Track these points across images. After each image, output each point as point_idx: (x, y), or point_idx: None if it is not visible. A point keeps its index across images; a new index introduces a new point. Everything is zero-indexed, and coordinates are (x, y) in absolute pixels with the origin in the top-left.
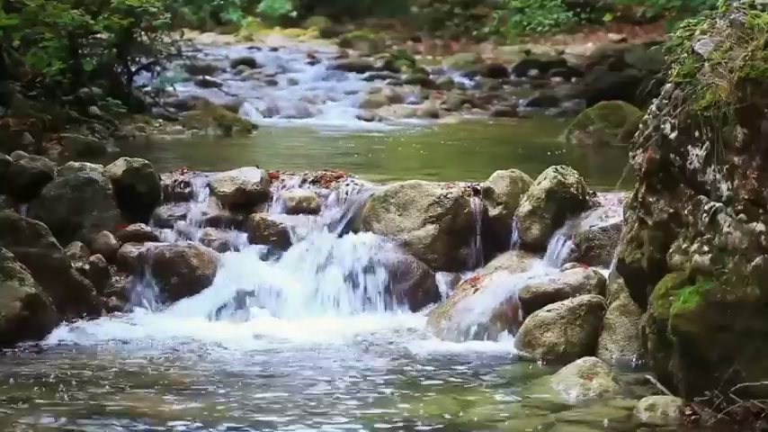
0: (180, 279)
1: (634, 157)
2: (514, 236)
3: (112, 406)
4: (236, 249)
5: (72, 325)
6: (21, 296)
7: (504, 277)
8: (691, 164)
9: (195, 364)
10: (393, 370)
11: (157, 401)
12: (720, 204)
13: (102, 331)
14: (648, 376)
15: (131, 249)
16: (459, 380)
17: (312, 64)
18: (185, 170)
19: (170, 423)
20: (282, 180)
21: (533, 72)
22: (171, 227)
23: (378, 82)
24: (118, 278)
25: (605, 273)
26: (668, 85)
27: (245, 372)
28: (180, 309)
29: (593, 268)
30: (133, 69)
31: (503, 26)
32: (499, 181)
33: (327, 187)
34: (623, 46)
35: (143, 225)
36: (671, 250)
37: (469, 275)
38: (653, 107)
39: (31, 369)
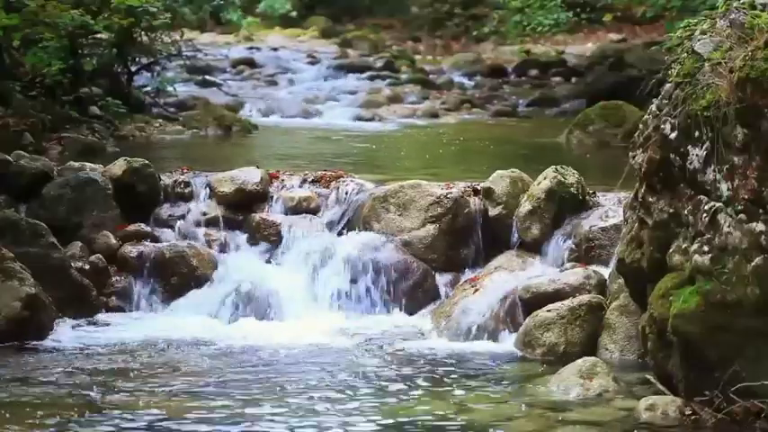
0: (180, 279)
1: (634, 157)
2: (514, 236)
3: (112, 405)
4: (236, 249)
5: (72, 325)
6: (21, 296)
7: (504, 277)
8: (691, 164)
9: (195, 364)
10: (392, 370)
11: (157, 401)
12: (720, 204)
13: (102, 331)
14: (648, 376)
15: (131, 249)
16: (459, 380)
17: (312, 64)
18: (185, 170)
19: (170, 422)
20: (282, 180)
21: (533, 72)
22: (171, 227)
23: (378, 82)
24: (118, 278)
25: (605, 273)
26: (668, 85)
27: (244, 371)
28: (180, 308)
29: (594, 268)
30: (133, 69)
31: (503, 26)
32: (499, 181)
33: (327, 187)
34: (623, 46)
35: (143, 225)
36: (671, 250)
37: (469, 275)
38: (653, 107)
39: (31, 369)
